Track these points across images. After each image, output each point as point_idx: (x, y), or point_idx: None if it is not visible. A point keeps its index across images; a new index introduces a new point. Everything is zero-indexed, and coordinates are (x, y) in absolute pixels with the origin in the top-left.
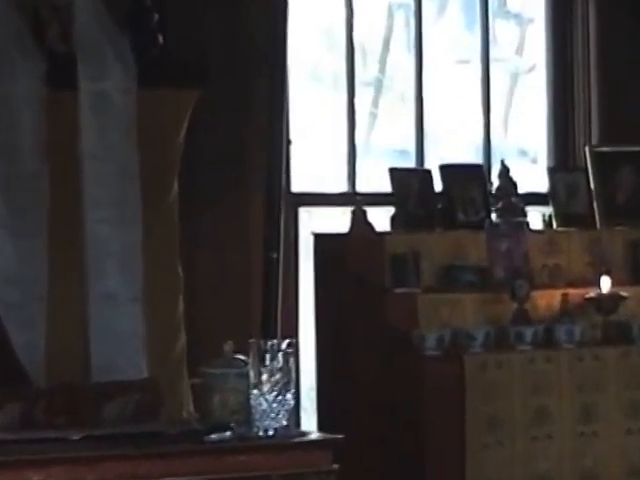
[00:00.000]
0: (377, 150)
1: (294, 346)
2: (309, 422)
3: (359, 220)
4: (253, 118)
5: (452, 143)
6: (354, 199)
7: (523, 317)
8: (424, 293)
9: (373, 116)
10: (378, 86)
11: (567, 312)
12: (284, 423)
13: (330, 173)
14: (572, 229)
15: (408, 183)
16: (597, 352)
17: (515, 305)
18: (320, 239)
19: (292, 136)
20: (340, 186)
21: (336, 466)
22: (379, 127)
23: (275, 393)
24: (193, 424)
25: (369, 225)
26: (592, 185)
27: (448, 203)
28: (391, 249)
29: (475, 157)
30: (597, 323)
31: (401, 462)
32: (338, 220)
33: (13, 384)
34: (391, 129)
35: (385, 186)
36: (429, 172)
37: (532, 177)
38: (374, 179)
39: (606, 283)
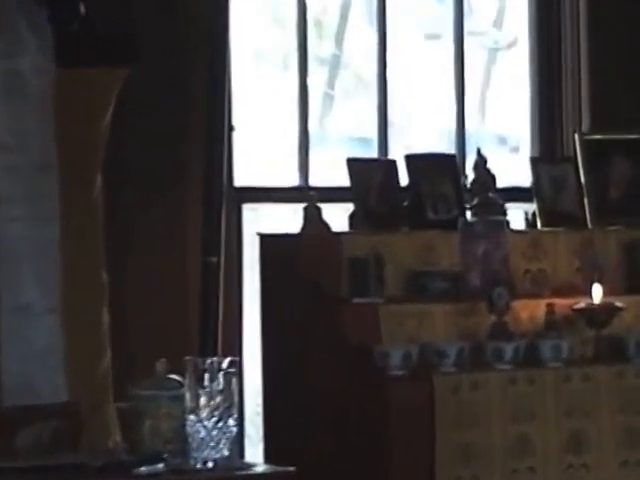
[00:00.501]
0: (333, 138)
1: (237, 365)
2: (254, 452)
3: (312, 219)
4: (191, 102)
5: (420, 130)
6: (307, 194)
7: (502, 331)
8: (388, 303)
9: (329, 99)
10: (334, 64)
11: (553, 325)
12: (225, 453)
13: (279, 165)
14: (559, 229)
15: (369, 176)
16: (588, 372)
17: (493, 317)
18: (267, 241)
19: (235, 122)
20: (290, 180)
21: None
22: (336, 111)
23: (215, 419)
24: (120, 455)
25: (324, 224)
26: (582, 178)
27: (415, 199)
28: (349, 252)
29: (447, 146)
30: (588, 338)
31: None
32: (288, 219)
33: None
34: (350, 114)
35: (342, 179)
36: (393, 163)
37: (513, 169)
38: (330, 171)
39: (598, 292)
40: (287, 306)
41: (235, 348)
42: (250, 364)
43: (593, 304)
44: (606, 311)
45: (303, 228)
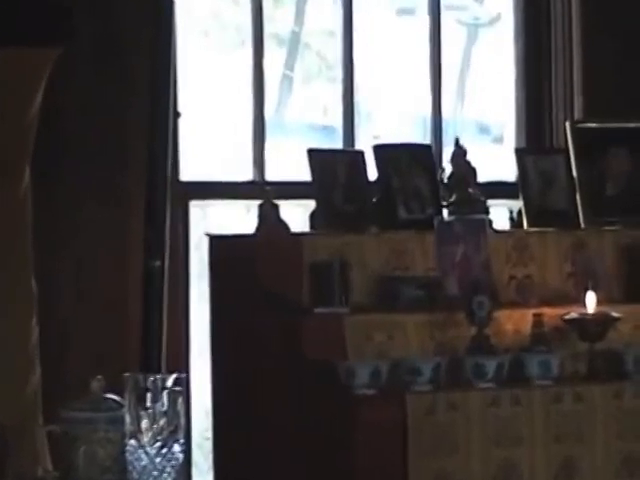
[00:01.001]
0: (293, 126)
1: (184, 382)
2: None
3: (269, 218)
4: (131, 85)
5: (391, 117)
6: (262, 190)
7: (484, 345)
8: (354, 314)
9: (287, 81)
10: (294, 44)
11: (541, 338)
12: None
13: (230, 156)
14: (548, 229)
15: (333, 169)
16: (580, 391)
17: (473, 329)
18: (217, 243)
19: (181, 108)
20: (244, 173)
21: None
22: (295, 96)
23: (159, 444)
24: None
25: (282, 224)
26: (574, 172)
27: (386, 195)
28: (311, 256)
29: (421, 135)
30: (580, 353)
31: None
32: (241, 218)
33: None
34: (311, 99)
35: (303, 173)
36: (361, 155)
37: (496, 161)
38: (288, 164)
39: (592, 300)
40: (240, 317)
41: (181, 364)
42: (198, 382)
43: (586, 314)
44: (601, 322)
45: (258, 228)
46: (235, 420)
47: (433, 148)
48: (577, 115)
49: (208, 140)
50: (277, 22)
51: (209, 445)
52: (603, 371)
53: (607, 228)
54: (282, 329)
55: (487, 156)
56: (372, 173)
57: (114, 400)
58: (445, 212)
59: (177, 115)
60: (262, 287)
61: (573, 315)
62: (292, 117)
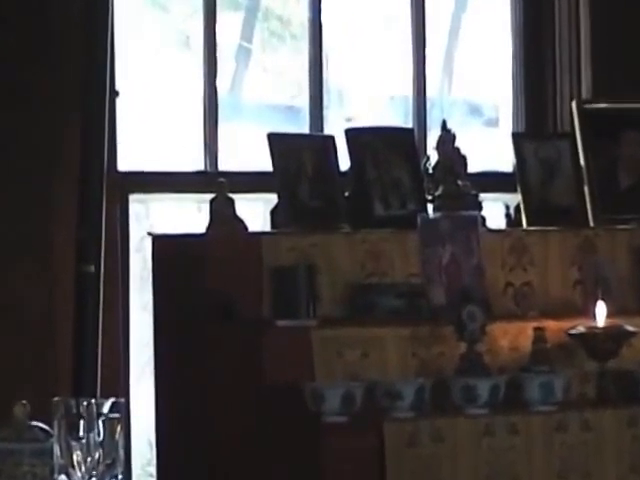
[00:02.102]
0: (250, 107)
1: (123, 408)
2: None
3: (222, 214)
4: (62, 59)
5: (366, 96)
6: (214, 182)
7: (475, 364)
8: (323, 327)
9: (244, 54)
10: (252, 10)
11: (543, 356)
12: None
13: (177, 143)
14: (551, 228)
15: (298, 157)
16: (589, 418)
17: (463, 346)
18: (161, 244)
19: (120, 86)
20: (193, 162)
21: None
22: (253, 71)
23: None
24: None
25: (238, 222)
26: (581, 160)
27: (360, 188)
28: (272, 259)
29: (402, 118)
30: (589, 373)
31: None
32: (190, 215)
33: None
34: (272, 74)
35: (262, 162)
36: (331, 140)
37: (490, 148)
38: (246, 151)
39: (602, 312)
40: (188, 331)
41: (120, 386)
42: (140, 407)
43: (596, 328)
44: (613, 337)
45: (210, 227)
46: (183, 452)
47: (416, 133)
48: (585, 94)
49: (151, 123)
50: None
51: None
52: (615, 395)
53: (620, 227)
54: (238, 345)
55: (479, 142)
56: (344, 162)
57: (41, 428)
58: (430, 208)
59: (114, 94)
60: (214, 296)
61: (580, 329)
62: (250, 96)
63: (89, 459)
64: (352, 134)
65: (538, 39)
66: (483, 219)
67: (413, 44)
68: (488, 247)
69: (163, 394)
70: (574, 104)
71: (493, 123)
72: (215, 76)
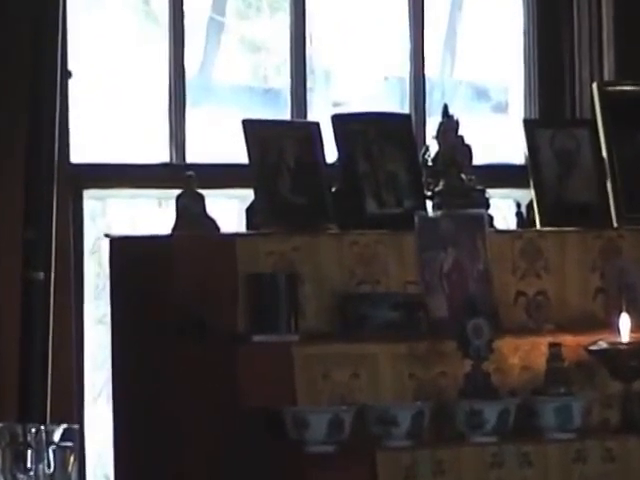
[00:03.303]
0: (223, 89)
1: (76, 435)
2: None
3: (190, 213)
4: (10, 38)
5: (357, 78)
6: (182, 176)
7: (482, 385)
8: (306, 343)
9: (216, 29)
10: None
11: (559, 377)
12: None
13: (139, 131)
14: (568, 229)
15: (278, 147)
16: (612, 447)
17: (468, 364)
18: (120, 247)
19: (73, 66)
20: (157, 154)
21: None
22: (227, 49)
23: None
24: None
25: (209, 222)
26: (604, 151)
27: (349, 183)
28: (248, 265)
29: (398, 102)
30: (612, 396)
31: None
32: (153, 213)
33: None
34: (248, 53)
35: (237, 153)
36: (316, 128)
37: (498, 137)
38: (218, 141)
39: (627, 325)
40: (152, 347)
41: (73, 411)
42: (95, 434)
43: (620, 343)
44: (639, 354)
45: (176, 227)
46: None
47: (413, 119)
48: (607, 75)
49: (108, 108)
50: None
51: None
52: None
53: None
54: (210, 364)
55: (486, 130)
56: (331, 153)
57: None
58: (429, 205)
59: (67, 75)
60: (182, 308)
61: (602, 345)
62: (222, 77)
63: None
64: (340, 121)
65: (554, 11)
66: (491, 218)
67: (410, 18)
68: (496, 250)
69: (123, 420)
70: (595, 87)
71: (502, 108)
72: (182, 54)
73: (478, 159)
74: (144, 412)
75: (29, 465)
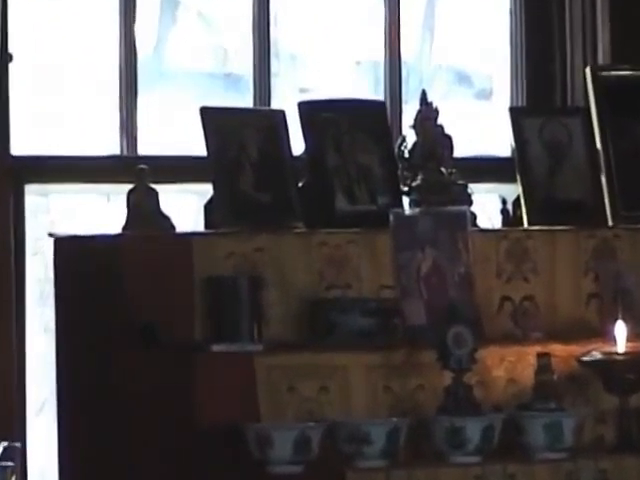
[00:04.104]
0: (179, 74)
1: (17, 454)
2: None
3: (143, 210)
4: None
5: (326, 61)
6: (133, 169)
7: (463, 399)
8: (270, 353)
9: (171, 6)
10: None
11: (549, 390)
12: None
13: (86, 120)
14: (559, 228)
15: (239, 138)
16: (606, 468)
17: (448, 376)
18: (66, 247)
19: (13, 49)
20: (105, 145)
21: None
22: (183, 28)
23: None
24: None
25: (163, 220)
26: (598, 143)
27: (318, 177)
28: (205, 267)
29: (372, 88)
30: (607, 411)
31: None
32: (102, 210)
33: None
34: (205, 34)
35: (194, 144)
36: (280, 117)
37: (482, 127)
38: (172, 131)
39: (623, 334)
40: (100, 358)
41: (13, 427)
42: (38, 453)
43: (615, 354)
44: (637, 366)
45: (127, 226)
46: None
47: (388, 107)
48: (602, 59)
49: (53, 96)
50: None
51: None
52: (639, 438)
53: None
54: (163, 376)
55: (469, 119)
56: (298, 144)
57: None
58: (406, 202)
59: (7, 58)
60: (133, 314)
61: (596, 355)
62: (178, 60)
63: None
64: (308, 109)
65: None
66: (473, 216)
67: None
68: (480, 252)
69: (68, 438)
70: (588, 71)
71: (486, 95)
72: (133, 34)
73: (460, 151)
74: (91, 427)
75: None
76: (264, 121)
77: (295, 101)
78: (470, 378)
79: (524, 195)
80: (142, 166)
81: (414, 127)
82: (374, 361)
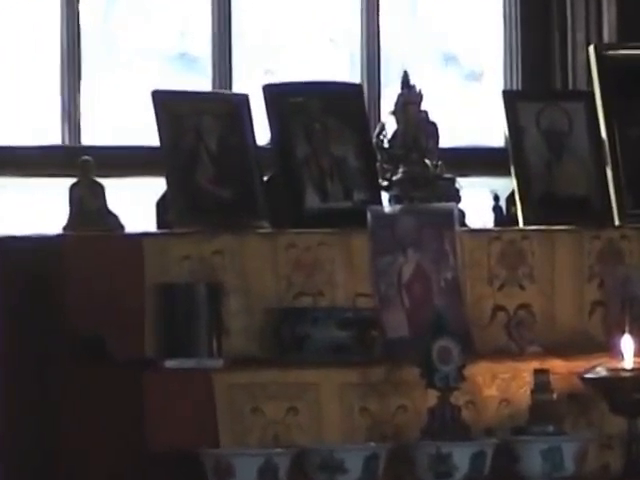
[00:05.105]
0: (128, 53)
1: None
2: None
3: (87, 207)
4: None
5: (295, 41)
6: (76, 161)
7: (450, 422)
8: (231, 370)
9: None
10: None
11: (547, 411)
12: None
13: (23, 106)
14: (559, 227)
15: (196, 126)
16: None
17: (434, 396)
18: (5, 249)
19: None
20: (46, 134)
21: None
22: (132, 5)
23: None
24: None
25: (109, 218)
26: (603, 131)
27: (286, 170)
28: (158, 272)
29: (347, 70)
30: (613, 435)
31: None
32: (40, 207)
33: None
34: (159, 10)
35: (145, 133)
36: (243, 101)
37: (471, 113)
38: (121, 118)
39: (631, 347)
40: (39, 374)
41: None
42: None
43: (622, 370)
44: None
45: (69, 225)
46: None
47: (365, 91)
48: (607, 37)
49: None
50: None
51: None
52: None
53: None
54: (109, 395)
55: (456, 104)
56: (262, 132)
57: None
58: (386, 198)
59: None
60: (74, 325)
61: (600, 372)
62: (127, 38)
63: None
64: (274, 92)
65: None
66: (462, 214)
67: None
68: (469, 255)
69: (5, 462)
70: (592, 50)
71: (476, 77)
72: (77, 8)
73: (446, 140)
74: (28, 455)
75: None
76: (224, 106)
77: (259, 84)
78: (458, 398)
79: (519, 190)
80: (86, 157)
81: (394, 113)
82: (349, 379)
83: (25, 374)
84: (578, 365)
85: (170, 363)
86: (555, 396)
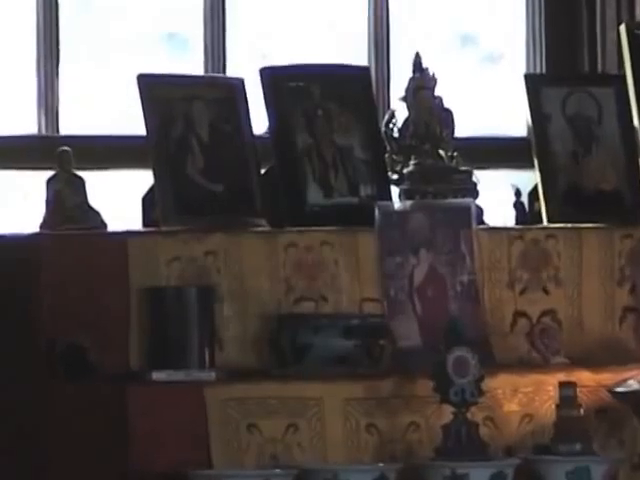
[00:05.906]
0: (111, 35)
1: None
2: None
3: (66, 203)
4: None
5: (295, 21)
6: (54, 152)
7: (467, 440)
8: (225, 383)
9: None
10: None
11: (573, 429)
12: None
13: None
14: (587, 225)
15: (186, 113)
16: None
17: (449, 412)
18: None
19: None
20: (21, 123)
21: None
22: None
23: None
24: None
25: (91, 215)
26: (635, 119)
27: (285, 162)
28: (144, 275)
29: (353, 53)
30: None
31: None
32: (15, 203)
33: None
34: None
35: (130, 122)
36: (238, 86)
37: (491, 99)
38: (102, 105)
39: None
40: (14, 389)
41: None
42: None
43: None
44: None
45: (46, 223)
46: None
47: (373, 74)
48: None
49: None
50: None
51: None
52: None
53: None
54: (91, 410)
55: (474, 89)
56: (260, 120)
57: None
58: (395, 193)
59: None
60: (51, 334)
61: (632, 385)
62: (110, 20)
63: None
64: (272, 76)
65: None
66: (480, 211)
67: None
68: (488, 255)
69: None
70: (623, 29)
71: (495, 59)
72: None
73: (462, 129)
74: (6, 473)
75: None
76: (217, 91)
77: (256, 67)
78: (475, 414)
79: (543, 185)
80: (65, 148)
81: (406, 99)
82: (355, 393)
83: (2, 390)
84: (607, 377)
85: (157, 375)
86: (582, 411)
